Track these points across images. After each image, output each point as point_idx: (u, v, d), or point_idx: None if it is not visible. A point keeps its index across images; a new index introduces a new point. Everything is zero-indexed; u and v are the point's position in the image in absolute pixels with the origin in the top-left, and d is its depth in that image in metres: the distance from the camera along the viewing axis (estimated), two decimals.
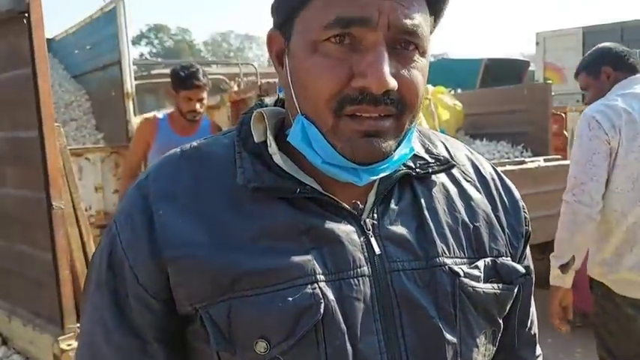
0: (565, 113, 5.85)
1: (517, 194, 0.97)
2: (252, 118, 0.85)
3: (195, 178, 0.82)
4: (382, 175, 0.81)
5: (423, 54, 0.78)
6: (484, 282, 0.85)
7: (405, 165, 0.86)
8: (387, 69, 0.73)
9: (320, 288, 0.76)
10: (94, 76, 5.60)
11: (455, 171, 0.92)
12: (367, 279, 0.79)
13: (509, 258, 0.90)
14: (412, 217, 0.85)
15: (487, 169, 0.97)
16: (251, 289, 0.76)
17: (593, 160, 2.30)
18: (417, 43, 0.76)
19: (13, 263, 2.69)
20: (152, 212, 0.79)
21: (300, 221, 0.79)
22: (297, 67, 0.78)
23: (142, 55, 44.04)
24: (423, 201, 0.86)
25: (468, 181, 0.93)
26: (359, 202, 0.84)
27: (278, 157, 0.82)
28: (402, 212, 0.85)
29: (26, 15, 2.26)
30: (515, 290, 0.89)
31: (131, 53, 5.19)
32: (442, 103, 4.96)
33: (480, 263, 0.86)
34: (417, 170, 0.87)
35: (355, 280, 0.79)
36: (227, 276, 0.76)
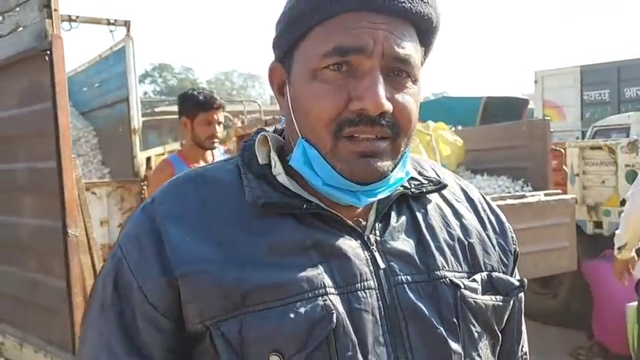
0: (564, 149, 5.92)
1: (503, 216, 1.02)
2: (257, 141, 0.89)
3: (201, 200, 0.84)
4: (380, 197, 0.86)
5: (414, 82, 0.83)
6: (482, 294, 0.89)
7: (401, 185, 0.90)
8: (382, 92, 0.78)
9: (330, 300, 0.79)
10: (102, 112, 5.72)
11: (446, 192, 0.97)
12: (374, 292, 0.82)
13: (501, 274, 0.94)
14: (411, 233, 0.89)
15: (474, 193, 1.02)
16: (262, 304, 0.77)
17: None
18: (409, 71, 0.82)
19: (27, 291, 2.73)
20: (160, 232, 0.81)
21: (307, 236, 0.82)
22: (298, 95, 0.83)
23: (145, 93, 44.40)
24: (420, 218, 0.91)
25: (458, 201, 0.98)
26: (361, 220, 0.88)
27: (283, 177, 0.86)
28: (401, 229, 0.89)
29: (48, 52, 2.36)
30: (512, 302, 0.94)
31: (138, 91, 5.31)
32: (443, 139, 5.04)
33: (477, 277, 0.90)
34: (413, 190, 0.92)
35: (363, 292, 0.81)
36: (238, 291, 0.77)
